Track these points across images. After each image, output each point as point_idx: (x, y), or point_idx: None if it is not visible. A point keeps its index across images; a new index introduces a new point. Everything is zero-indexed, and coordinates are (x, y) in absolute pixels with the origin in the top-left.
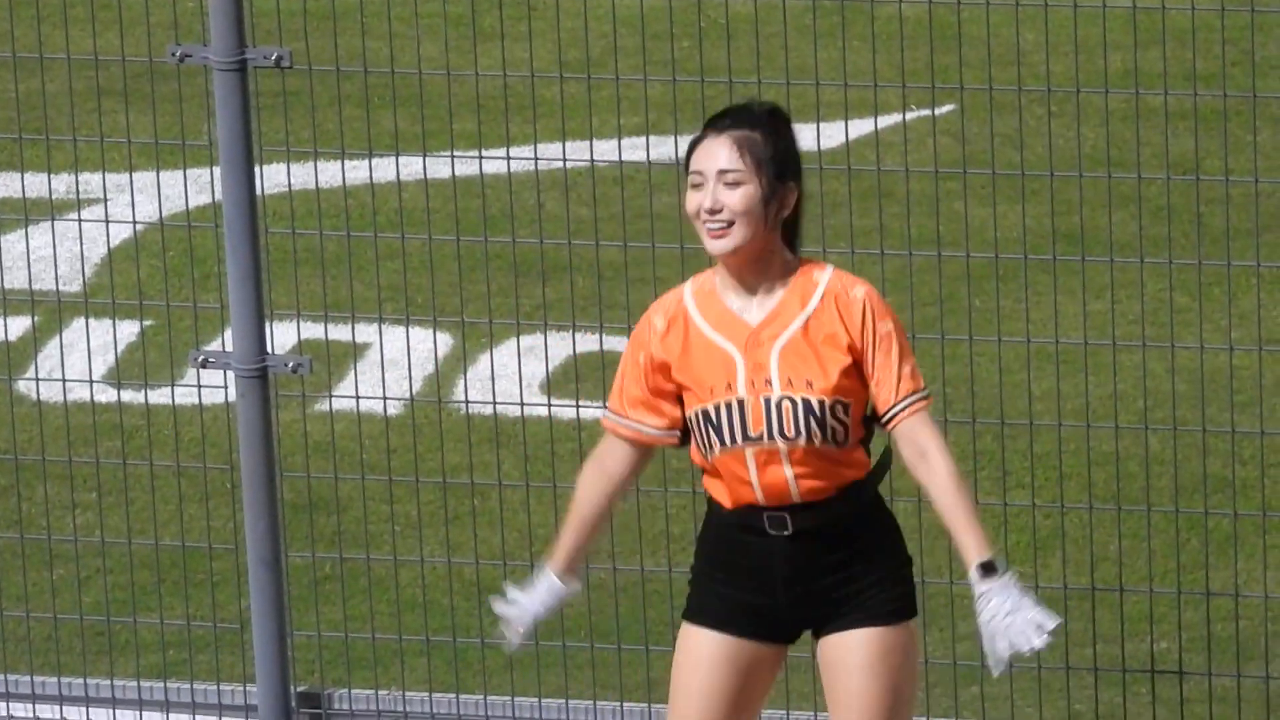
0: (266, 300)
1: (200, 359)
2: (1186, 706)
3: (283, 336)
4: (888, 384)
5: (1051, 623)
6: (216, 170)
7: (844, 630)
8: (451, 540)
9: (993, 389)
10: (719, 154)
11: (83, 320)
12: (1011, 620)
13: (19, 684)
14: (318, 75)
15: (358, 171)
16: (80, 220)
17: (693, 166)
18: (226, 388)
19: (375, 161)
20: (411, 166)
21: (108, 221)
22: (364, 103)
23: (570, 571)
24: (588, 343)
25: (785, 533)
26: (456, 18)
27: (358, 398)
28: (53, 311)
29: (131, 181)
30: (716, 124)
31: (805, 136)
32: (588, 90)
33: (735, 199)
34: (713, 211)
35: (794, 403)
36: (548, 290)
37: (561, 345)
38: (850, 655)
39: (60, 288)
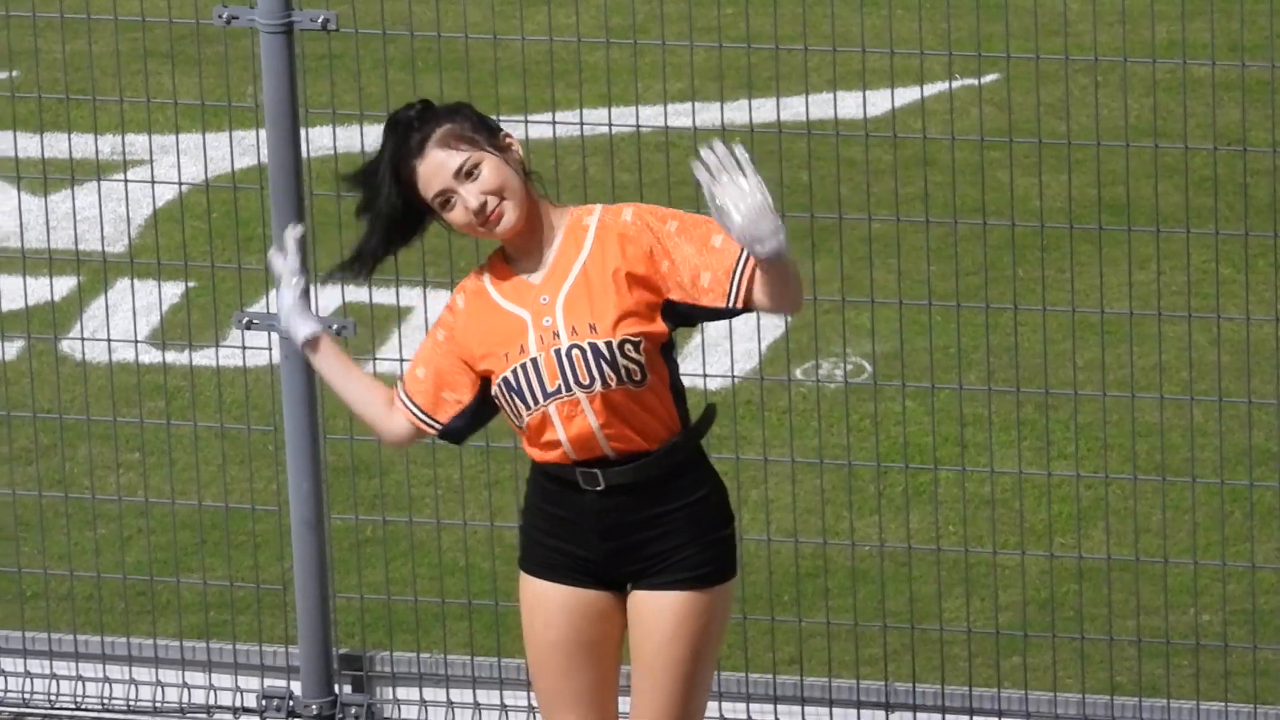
0: (311, 262)
1: (244, 320)
2: (1230, 679)
3: (326, 299)
4: (713, 265)
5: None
6: (261, 132)
7: (653, 590)
8: (494, 504)
9: (1036, 359)
10: (442, 163)
11: (127, 281)
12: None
13: (62, 643)
14: (363, 38)
15: None
16: (126, 181)
17: (430, 194)
18: (270, 349)
19: None
20: None
21: (153, 183)
22: (409, 66)
23: (317, 344)
24: None
25: (598, 488)
26: None
27: (401, 360)
28: (97, 272)
29: (177, 143)
30: (410, 147)
31: (849, 104)
32: (633, 55)
33: (487, 181)
34: (481, 208)
35: (582, 350)
36: None
37: None
38: (656, 616)
39: (105, 248)
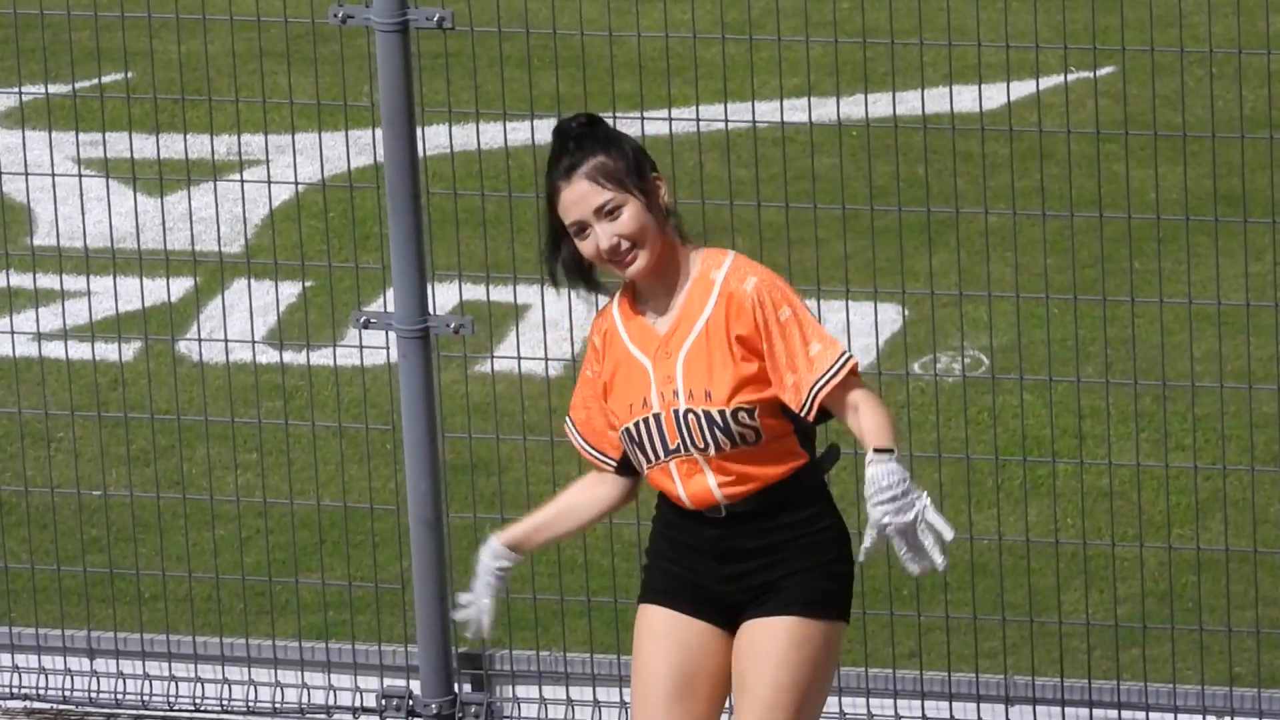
0: (428, 261)
1: (362, 320)
2: None
3: (444, 297)
4: (800, 370)
5: (949, 533)
6: (378, 131)
7: (762, 616)
8: None
9: (1154, 350)
10: (585, 196)
11: (244, 281)
12: (894, 504)
13: (181, 644)
14: (479, 36)
15: (519, 133)
16: (242, 181)
17: (568, 220)
18: (388, 348)
19: (536, 123)
20: None
21: (269, 182)
22: (525, 64)
23: (516, 548)
24: None
25: (719, 515)
26: None
27: (519, 358)
28: (214, 272)
29: (293, 142)
30: (559, 170)
31: (965, 98)
32: (749, 51)
33: (624, 225)
34: (613, 249)
35: (697, 416)
36: None
37: None
38: (765, 641)
39: (222, 248)
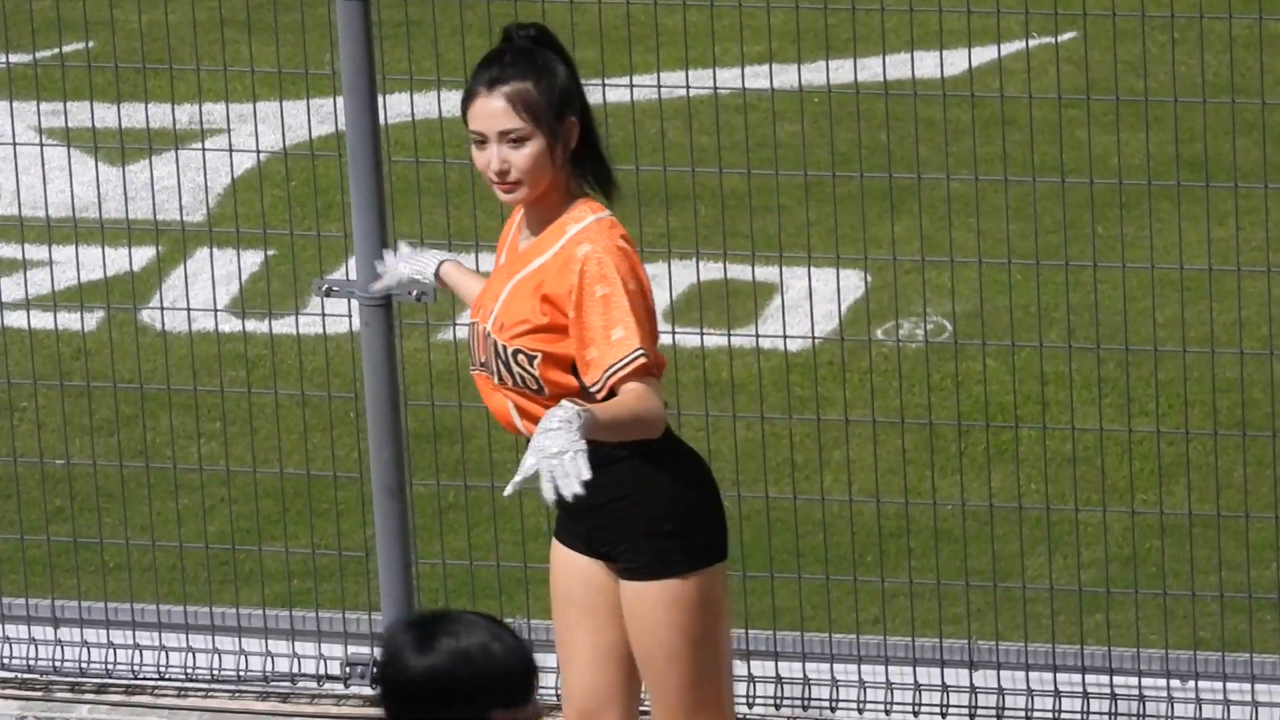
0: (390, 229)
1: (324, 288)
2: None
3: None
4: (601, 349)
5: (587, 474)
6: (339, 100)
7: (620, 578)
8: None
9: (1116, 316)
10: (497, 115)
11: (206, 250)
12: (553, 444)
13: (145, 613)
14: (440, 4)
15: None
16: (204, 150)
17: (472, 126)
18: (350, 317)
19: None
20: None
21: (231, 151)
22: (487, 32)
23: (449, 277)
24: (711, 271)
25: None
26: None
27: None
28: (177, 241)
29: (254, 111)
30: (485, 77)
31: (927, 64)
32: (710, 18)
33: (521, 158)
34: (501, 174)
35: (493, 342)
36: (671, 218)
37: (685, 274)
38: (626, 605)
39: (184, 218)
